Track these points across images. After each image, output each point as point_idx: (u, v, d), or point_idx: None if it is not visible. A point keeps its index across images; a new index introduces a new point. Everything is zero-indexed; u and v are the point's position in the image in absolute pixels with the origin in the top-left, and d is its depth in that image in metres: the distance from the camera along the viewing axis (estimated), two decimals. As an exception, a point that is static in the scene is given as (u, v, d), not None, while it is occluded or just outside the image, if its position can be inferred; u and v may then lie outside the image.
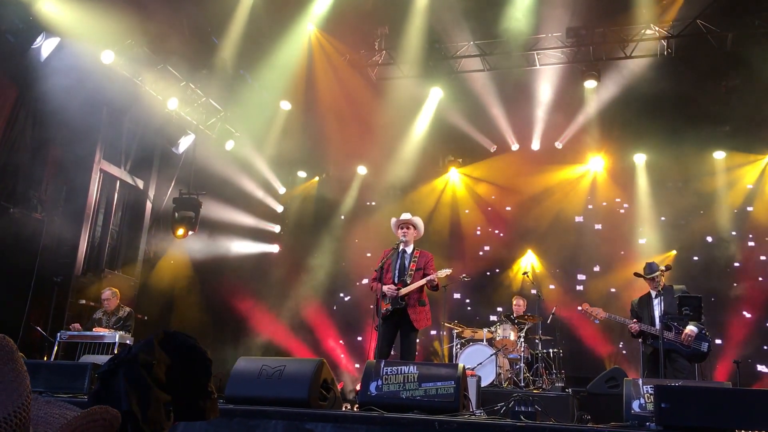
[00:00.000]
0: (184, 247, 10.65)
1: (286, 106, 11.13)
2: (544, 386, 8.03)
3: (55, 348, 7.21)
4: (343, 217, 12.93)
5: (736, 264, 10.62)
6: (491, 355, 8.05)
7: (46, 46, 7.73)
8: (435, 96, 11.24)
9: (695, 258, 10.77)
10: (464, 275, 9.48)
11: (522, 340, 8.39)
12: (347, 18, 9.77)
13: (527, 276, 9.78)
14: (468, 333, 8.91)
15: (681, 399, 3.78)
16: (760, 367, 9.94)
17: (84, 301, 8.78)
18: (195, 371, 1.53)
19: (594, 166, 11.81)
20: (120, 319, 7.70)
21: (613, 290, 10.71)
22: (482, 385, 7.04)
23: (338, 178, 13.10)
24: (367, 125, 11.33)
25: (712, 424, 3.65)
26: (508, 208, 12.40)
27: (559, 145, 11.64)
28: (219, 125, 10.90)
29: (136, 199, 10.39)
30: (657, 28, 9.48)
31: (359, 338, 11.92)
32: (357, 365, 11.74)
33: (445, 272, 6.21)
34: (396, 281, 6.17)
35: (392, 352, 6.32)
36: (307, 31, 10.15)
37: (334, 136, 11.62)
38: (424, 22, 9.73)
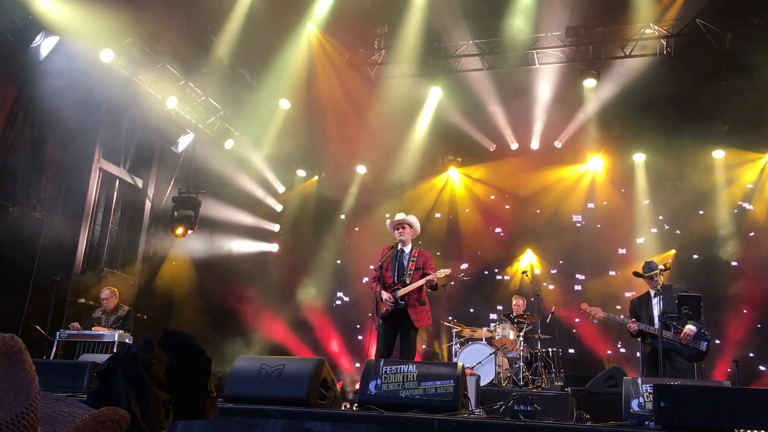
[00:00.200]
0: (184, 246, 10.65)
1: (285, 105, 11.13)
2: (543, 385, 8.03)
3: (54, 347, 7.22)
4: (342, 216, 12.93)
5: (736, 263, 10.63)
6: (490, 354, 8.05)
7: (45, 45, 7.72)
8: (434, 95, 11.25)
9: (694, 257, 10.78)
10: (463, 275, 9.48)
11: (521, 339, 8.40)
12: (347, 17, 9.78)
13: (526, 275, 9.78)
14: (467, 332, 8.91)
15: (680, 398, 3.79)
16: (760, 367, 9.95)
17: (83, 300, 8.78)
18: (194, 370, 1.53)
19: (593, 166, 11.81)
20: (119, 318, 7.70)
21: (612, 290, 10.71)
22: (481, 384, 7.03)
23: (337, 177, 13.09)
24: (367, 124, 11.33)
25: (712, 423, 3.65)
26: (507, 207, 12.41)
27: (558, 144, 11.65)
28: (218, 124, 10.90)
29: (135, 198, 10.39)
30: (656, 28, 9.49)
31: (359, 337, 11.92)
32: (357, 365, 11.74)
33: (444, 272, 6.20)
34: (395, 281, 6.17)
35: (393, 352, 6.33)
36: (306, 30, 10.15)
37: (334, 135, 11.62)
38: (423, 22, 9.74)
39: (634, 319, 6.50)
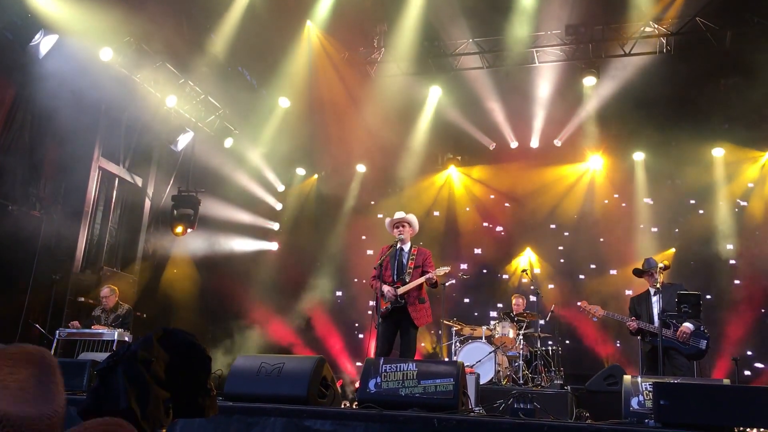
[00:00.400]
0: (183, 244, 10.64)
1: (284, 103, 11.12)
2: (542, 384, 8.04)
3: (54, 345, 7.21)
4: (342, 214, 12.92)
5: (735, 261, 10.63)
6: (490, 353, 8.05)
7: (44, 44, 7.70)
8: (434, 94, 11.24)
9: (694, 256, 10.78)
10: (463, 274, 9.48)
11: (521, 337, 8.40)
12: (346, 15, 9.76)
13: (526, 273, 9.80)
14: (467, 330, 8.92)
15: (680, 396, 3.79)
16: (759, 365, 9.96)
17: (83, 299, 8.78)
18: (194, 368, 1.53)
19: (593, 164, 11.82)
20: (119, 317, 7.70)
21: (611, 288, 10.71)
22: (481, 383, 7.03)
23: (337, 176, 13.09)
24: (366, 122, 11.33)
25: (711, 421, 3.65)
26: (507, 206, 12.41)
27: (558, 142, 11.64)
28: (217, 123, 10.89)
29: (134, 197, 10.38)
30: (656, 26, 9.48)
31: (360, 336, 11.93)
32: (357, 363, 11.74)
33: (443, 270, 6.21)
34: (395, 279, 6.17)
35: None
36: (306, 28, 10.14)
37: (333, 134, 11.61)
38: (422, 20, 9.73)
39: (633, 318, 6.50)
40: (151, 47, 9.05)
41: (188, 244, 10.66)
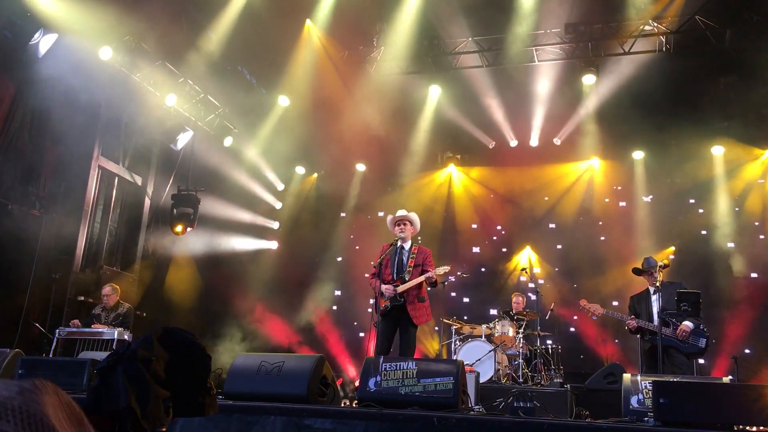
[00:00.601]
0: (183, 243, 10.64)
1: (284, 101, 11.11)
2: (542, 382, 8.04)
3: (54, 344, 7.22)
4: (342, 213, 12.93)
5: (734, 260, 10.62)
6: (490, 351, 8.06)
7: (43, 42, 7.70)
8: (433, 92, 11.24)
9: (694, 254, 10.77)
10: (462, 272, 9.48)
11: (521, 336, 8.41)
12: (346, 14, 9.76)
13: (525, 272, 9.80)
14: (467, 329, 8.92)
15: (679, 394, 3.79)
16: (759, 363, 9.96)
17: (82, 298, 8.78)
18: (194, 367, 1.53)
19: (592, 162, 11.81)
20: (119, 316, 7.70)
21: (611, 286, 10.71)
22: (481, 381, 7.04)
23: (336, 174, 13.08)
24: (366, 121, 11.32)
25: (711, 419, 3.66)
26: (507, 204, 12.41)
27: (557, 141, 11.64)
28: (217, 121, 10.89)
29: (134, 196, 10.38)
30: (656, 24, 9.48)
31: (360, 334, 11.93)
32: (357, 362, 11.74)
33: (443, 269, 6.20)
34: (394, 278, 6.17)
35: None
36: (305, 26, 10.13)
37: (333, 132, 11.60)
38: (422, 18, 9.73)
39: (633, 316, 6.51)
40: (150, 46, 9.04)
41: (188, 243, 10.66)
